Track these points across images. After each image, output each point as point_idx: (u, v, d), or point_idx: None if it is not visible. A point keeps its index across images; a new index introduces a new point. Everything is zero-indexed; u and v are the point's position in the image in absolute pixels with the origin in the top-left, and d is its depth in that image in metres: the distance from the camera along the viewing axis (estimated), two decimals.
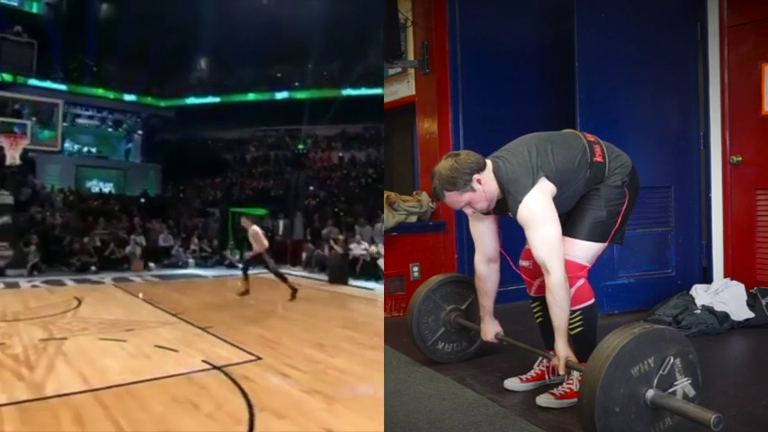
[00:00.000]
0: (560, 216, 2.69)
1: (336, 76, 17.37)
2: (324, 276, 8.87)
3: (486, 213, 2.88)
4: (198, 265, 11.12)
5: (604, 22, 4.34)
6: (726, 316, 3.90)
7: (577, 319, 2.72)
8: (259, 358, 3.64)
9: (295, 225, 12.51)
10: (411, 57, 5.36)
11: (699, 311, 3.92)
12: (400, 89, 5.73)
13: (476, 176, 2.65)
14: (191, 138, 16.84)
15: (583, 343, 2.72)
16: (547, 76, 5.20)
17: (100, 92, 17.06)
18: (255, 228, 6.74)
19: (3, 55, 8.93)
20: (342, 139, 16.88)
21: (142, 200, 14.03)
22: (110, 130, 18.01)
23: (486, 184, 2.68)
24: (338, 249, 8.58)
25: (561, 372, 2.66)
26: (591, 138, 2.82)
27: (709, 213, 4.60)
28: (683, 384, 2.16)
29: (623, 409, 2.05)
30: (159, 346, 3.99)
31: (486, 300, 3.10)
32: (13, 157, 8.34)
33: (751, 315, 3.96)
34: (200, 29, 15.90)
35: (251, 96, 17.95)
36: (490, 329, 3.16)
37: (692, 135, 4.62)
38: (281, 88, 17.89)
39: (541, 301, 2.94)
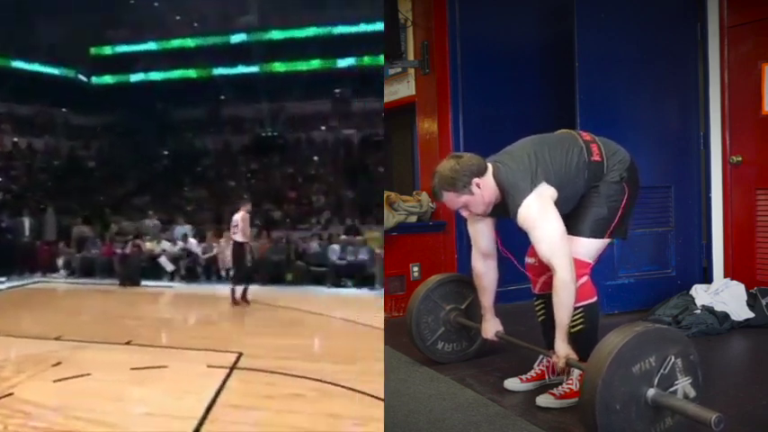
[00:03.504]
0: (562, 217, 2.70)
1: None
2: (92, 280, 8.17)
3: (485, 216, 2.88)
4: None
5: (604, 22, 4.34)
6: (726, 316, 3.90)
7: (579, 316, 2.72)
8: None
9: (46, 224, 9.76)
10: (411, 57, 5.36)
11: (699, 311, 3.92)
12: (400, 89, 5.73)
13: (475, 180, 2.66)
14: None
15: (583, 341, 2.71)
16: (547, 76, 5.19)
17: None
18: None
19: None
20: (10, 121, 13.11)
21: None
22: None
23: (485, 189, 2.68)
24: (147, 248, 8.32)
25: (561, 364, 2.65)
26: (587, 137, 2.82)
27: (709, 213, 4.60)
28: (683, 384, 2.16)
29: (624, 408, 2.05)
30: (213, 366, 3.52)
31: (486, 297, 3.10)
32: None
33: (751, 315, 3.96)
34: None
35: None
36: (490, 328, 3.16)
37: (692, 135, 4.62)
38: None
39: (545, 298, 2.95)
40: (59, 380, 3.27)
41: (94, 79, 15.26)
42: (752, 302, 4.00)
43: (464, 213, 2.78)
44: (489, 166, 2.72)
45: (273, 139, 14.02)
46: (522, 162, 2.67)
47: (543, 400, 2.78)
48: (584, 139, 2.80)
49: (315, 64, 14.54)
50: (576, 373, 2.76)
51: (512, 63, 5.12)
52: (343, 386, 3.09)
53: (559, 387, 2.81)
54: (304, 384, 3.15)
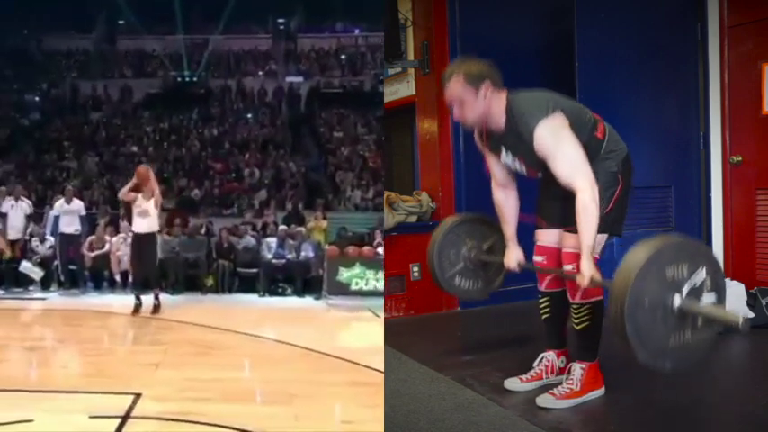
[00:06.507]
0: (559, 206, 2.72)
1: None
2: None
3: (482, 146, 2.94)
4: None
5: (604, 22, 4.34)
6: None
7: (585, 313, 2.72)
8: None
9: None
10: (411, 57, 5.36)
11: None
12: (400, 89, 5.73)
13: (487, 84, 2.70)
14: None
15: (587, 338, 2.73)
16: (547, 76, 5.17)
17: None
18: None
19: None
20: None
21: None
22: None
23: (490, 100, 2.71)
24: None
25: (585, 283, 2.59)
26: (596, 116, 2.84)
27: (709, 213, 4.59)
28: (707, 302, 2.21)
29: (651, 306, 2.09)
30: (98, 416, 2.56)
31: (508, 227, 3.09)
32: None
33: (751, 315, 3.96)
34: None
35: None
36: (513, 257, 3.11)
37: (692, 135, 4.62)
38: None
39: (550, 296, 2.96)
40: None
41: None
42: (752, 302, 4.00)
43: (456, 113, 2.79)
44: (505, 95, 2.74)
45: (191, 85, 10.48)
46: (538, 96, 2.72)
47: (543, 400, 2.77)
48: (593, 116, 2.82)
49: None
50: (575, 373, 2.78)
51: (512, 63, 5.06)
52: None
53: (560, 387, 2.81)
54: None
